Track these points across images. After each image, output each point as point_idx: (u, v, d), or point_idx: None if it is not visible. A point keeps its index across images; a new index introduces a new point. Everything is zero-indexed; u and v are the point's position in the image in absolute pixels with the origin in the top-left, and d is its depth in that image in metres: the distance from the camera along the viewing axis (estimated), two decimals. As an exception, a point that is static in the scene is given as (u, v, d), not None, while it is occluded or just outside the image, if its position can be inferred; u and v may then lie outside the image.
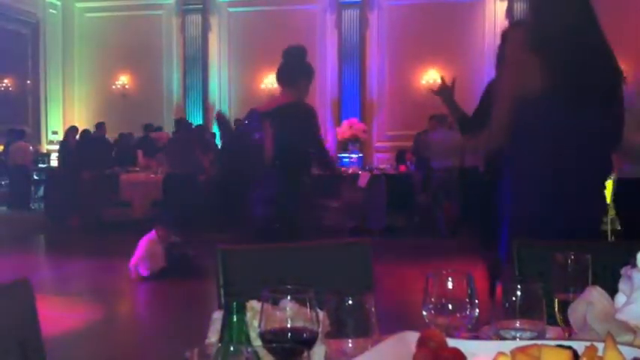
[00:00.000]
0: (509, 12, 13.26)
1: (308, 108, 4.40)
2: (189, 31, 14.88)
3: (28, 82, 15.06)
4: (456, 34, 13.41)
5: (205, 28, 14.88)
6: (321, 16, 14.34)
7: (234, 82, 14.78)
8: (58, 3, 15.52)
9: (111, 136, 12.90)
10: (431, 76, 13.75)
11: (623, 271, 1.26)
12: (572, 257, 1.39)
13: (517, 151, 2.68)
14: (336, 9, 14.22)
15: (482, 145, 3.16)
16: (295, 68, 4.24)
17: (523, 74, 2.60)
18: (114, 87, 15.23)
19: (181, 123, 12.12)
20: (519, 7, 13.12)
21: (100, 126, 12.84)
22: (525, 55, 2.60)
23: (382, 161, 13.12)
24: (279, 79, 4.31)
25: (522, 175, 2.70)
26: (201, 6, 14.84)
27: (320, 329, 1.09)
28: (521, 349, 0.98)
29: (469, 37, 13.55)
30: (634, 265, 1.24)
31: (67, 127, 13.73)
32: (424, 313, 1.24)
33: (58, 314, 5.51)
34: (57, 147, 13.81)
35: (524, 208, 2.67)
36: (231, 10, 14.77)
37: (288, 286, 1.12)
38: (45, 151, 14.94)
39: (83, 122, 14.52)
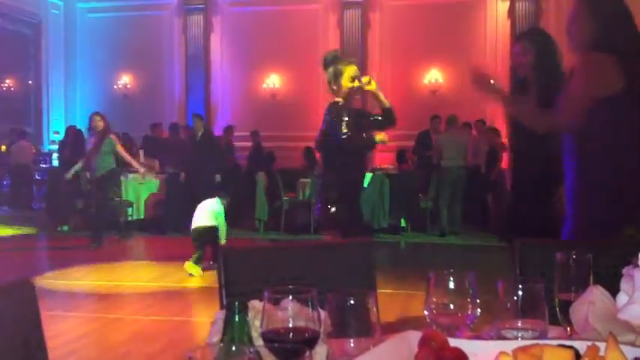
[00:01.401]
0: (512, 11, 13.27)
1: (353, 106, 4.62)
2: (191, 31, 14.87)
3: (30, 82, 15.08)
4: (458, 33, 13.39)
5: (207, 28, 14.87)
6: (323, 15, 14.33)
7: (236, 82, 14.77)
8: (60, 3, 15.53)
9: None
10: (432, 76, 13.74)
11: (624, 270, 1.25)
12: (574, 257, 1.39)
13: (587, 151, 2.74)
14: (338, 9, 14.21)
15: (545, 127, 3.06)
16: (332, 76, 4.47)
17: (602, 72, 2.67)
18: (116, 87, 15.24)
19: (178, 126, 12.17)
20: (521, 7, 13.13)
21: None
22: (602, 55, 2.68)
23: (384, 161, 13.11)
24: (330, 89, 4.55)
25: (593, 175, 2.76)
26: (203, 6, 14.83)
27: (322, 329, 1.09)
28: (523, 349, 0.98)
29: (471, 37, 13.53)
30: (636, 265, 1.24)
31: (68, 126, 13.75)
32: (426, 312, 1.23)
33: (60, 313, 5.52)
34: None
35: (593, 210, 2.74)
36: (233, 9, 14.76)
37: (290, 286, 1.12)
38: (47, 151, 14.95)
39: (85, 122, 14.53)
